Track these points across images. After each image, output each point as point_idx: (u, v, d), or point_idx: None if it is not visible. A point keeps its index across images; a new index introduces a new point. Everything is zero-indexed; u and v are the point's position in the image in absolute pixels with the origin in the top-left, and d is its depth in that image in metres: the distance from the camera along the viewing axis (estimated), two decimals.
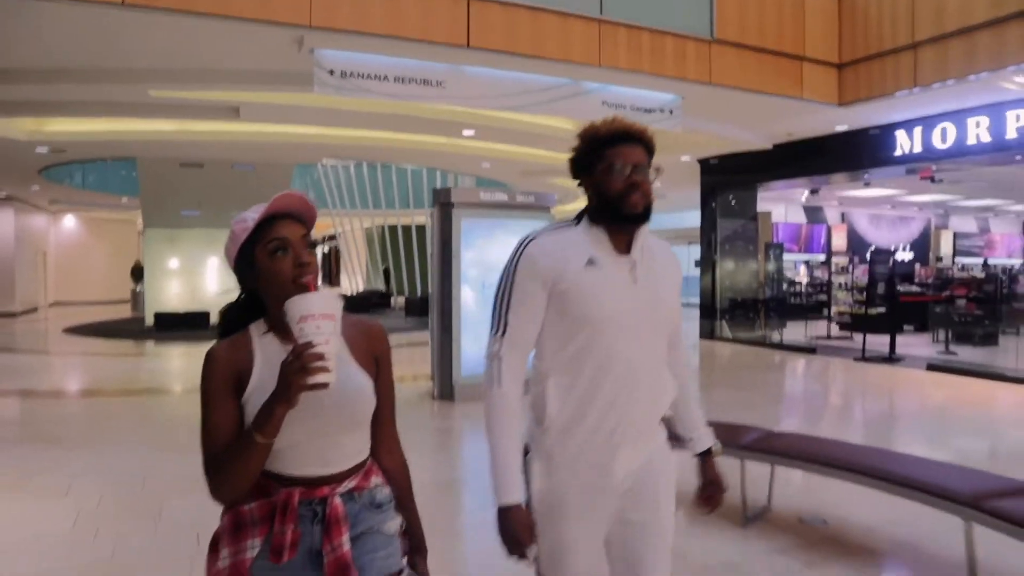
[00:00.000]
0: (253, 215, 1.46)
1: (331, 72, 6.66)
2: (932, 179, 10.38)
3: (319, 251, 38.77)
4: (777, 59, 8.64)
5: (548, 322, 1.75)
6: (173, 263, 16.86)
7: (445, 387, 7.49)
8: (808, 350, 11.78)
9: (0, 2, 5.72)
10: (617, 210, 1.71)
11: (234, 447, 1.37)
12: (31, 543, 3.78)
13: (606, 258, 1.73)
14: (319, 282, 1.44)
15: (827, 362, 10.87)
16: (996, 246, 22.86)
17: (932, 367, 9.88)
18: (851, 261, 14.25)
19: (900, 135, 10.07)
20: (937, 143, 9.64)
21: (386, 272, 26.13)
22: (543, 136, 10.52)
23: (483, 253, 7.60)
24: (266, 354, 1.44)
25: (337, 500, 1.45)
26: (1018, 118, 8.68)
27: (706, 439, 1.96)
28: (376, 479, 1.55)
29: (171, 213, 16.28)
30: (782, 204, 18.84)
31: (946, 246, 22.04)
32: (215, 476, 1.38)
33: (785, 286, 14.51)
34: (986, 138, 9.06)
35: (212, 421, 1.42)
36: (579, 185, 1.80)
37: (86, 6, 5.67)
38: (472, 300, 7.57)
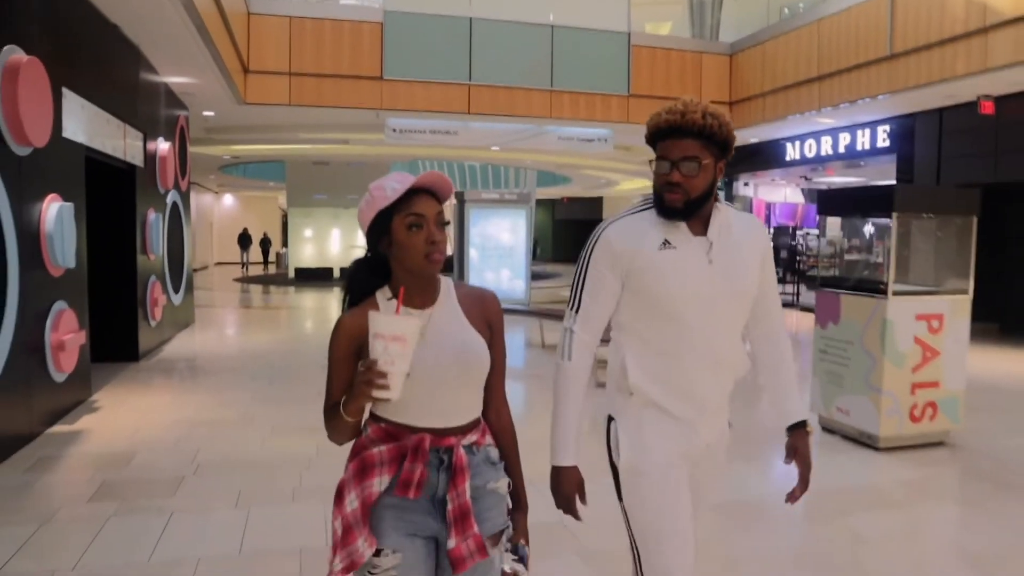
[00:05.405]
0: (395, 184, 1.52)
1: (393, 130, 12.17)
2: (807, 178, 14.69)
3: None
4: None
5: (626, 300, 1.78)
6: (308, 233, 23.25)
7: None
8: None
9: (228, 106, 11.50)
10: (659, 203, 1.73)
11: (331, 412, 1.52)
12: (260, 348, 9.60)
13: (681, 240, 1.74)
14: (447, 253, 1.60)
15: None
16: None
17: (803, 308, 14.42)
18: (792, 235, 18.35)
19: (788, 146, 14.49)
20: (807, 153, 14.03)
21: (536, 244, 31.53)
22: (543, 150, 15.67)
23: (483, 229, 13.02)
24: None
25: (462, 450, 1.56)
26: (845, 139, 13.02)
27: (798, 411, 1.90)
28: (489, 437, 1.66)
29: (307, 196, 22.61)
30: (784, 188, 22.85)
31: None
32: (326, 425, 1.56)
33: None
34: (829, 151, 13.44)
35: (333, 382, 1.56)
36: None
37: (276, 107, 11.42)
38: (476, 257, 13.00)
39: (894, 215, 4.89)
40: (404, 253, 1.52)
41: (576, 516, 1.80)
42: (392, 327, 1.38)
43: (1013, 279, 11.25)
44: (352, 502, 1.52)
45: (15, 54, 4.58)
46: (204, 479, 4.31)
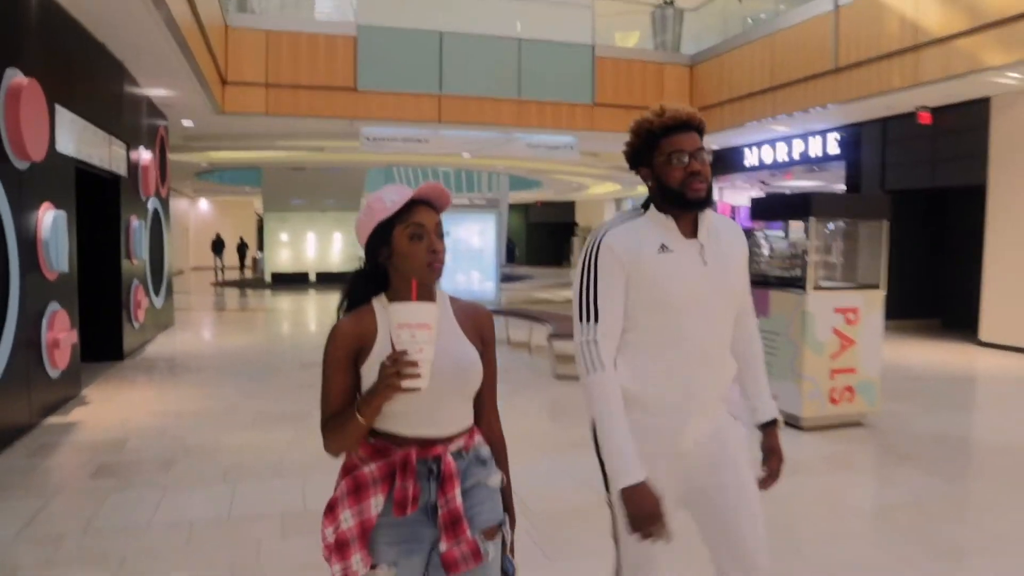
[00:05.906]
0: (393, 196, 1.55)
1: (367, 138, 12.63)
2: (764, 182, 15.39)
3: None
4: (641, 111, 13.96)
5: (625, 303, 1.81)
6: (284, 237, 23.59)
7: None
8: None
9: (207, 116, 11.91)
10: (681, 197, 1.76)
11: (340, 418, 1.51)
12: (240, 348, 10.02)
13: (677, 243, 1.80)
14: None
15: None
16: None
17: None
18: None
19: (747, 152, 15.18)
20: (765, 159, 14.73)
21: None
22: (512, 156, 16.22)
23: (455, 233, 13.53)
24: (388, 327, 1.49)
25: (450, 457, 1.57)
26: (798, 145, 13.72)
27: (770, 410, 1.98)
28: (479, 437, 1.67)
29: (283, 201, 22.96)
30: (750, 191, 23.62)
31: None
32: (326, 435, 1.55)
33: None
34: (785, 157, 14.13)
35: (330, 389, 1.56)
36: (637, 174, 1.86)
37: (253, 116, 11.84)
38: (448, 260, 13.49)
39: (811, 219, 5.49)
40: (405, 263, 1.55)
41: (665, 535, 1.71)
42: (418, 314, 1.40)
43: (954, 277, 11.98)
44: (347, 519, 1.53)
45: (16, 76, 5.02)
46: (193, 459, 4.77)
